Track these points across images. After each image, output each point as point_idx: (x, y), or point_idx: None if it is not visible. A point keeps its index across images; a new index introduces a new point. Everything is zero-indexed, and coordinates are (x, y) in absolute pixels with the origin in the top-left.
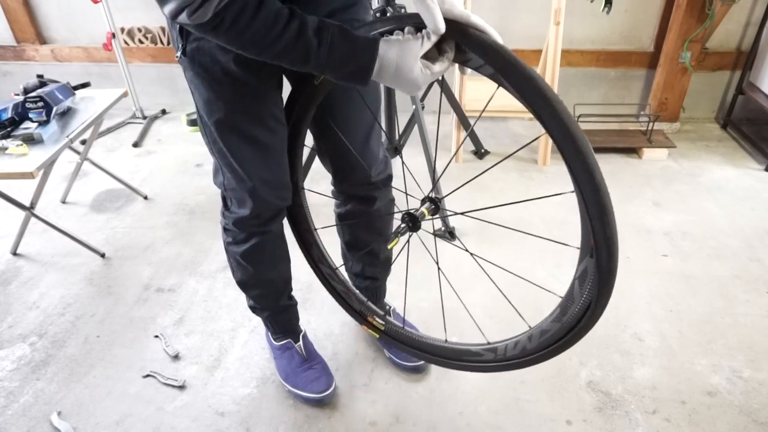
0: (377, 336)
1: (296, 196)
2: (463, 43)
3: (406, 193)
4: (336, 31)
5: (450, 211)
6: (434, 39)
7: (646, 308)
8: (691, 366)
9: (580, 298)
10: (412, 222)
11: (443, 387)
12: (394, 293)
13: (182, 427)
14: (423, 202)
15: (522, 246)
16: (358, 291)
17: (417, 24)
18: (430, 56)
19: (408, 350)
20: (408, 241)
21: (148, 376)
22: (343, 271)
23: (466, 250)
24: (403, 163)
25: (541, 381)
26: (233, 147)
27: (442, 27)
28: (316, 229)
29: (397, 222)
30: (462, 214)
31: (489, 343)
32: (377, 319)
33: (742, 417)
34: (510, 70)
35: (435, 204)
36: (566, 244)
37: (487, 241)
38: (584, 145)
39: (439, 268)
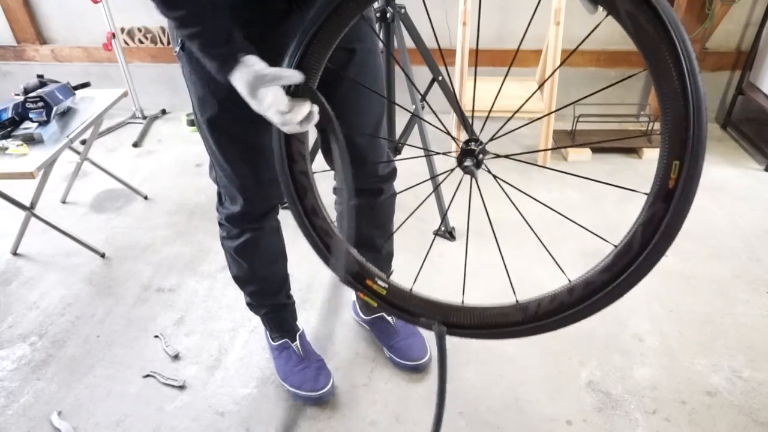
0: (375, 304)
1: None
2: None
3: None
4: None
5: (491, 153)
6: (273, 85)
7: (646, 308)
8: (691, 366)
9: (639, 245)
10: (469, 157)
11: None
12: None
13: (182, 427)
14: (467, 145)
15: (522, 246)
16: (355, 250)
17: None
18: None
19: (415, 320)
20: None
21: (148, 376)
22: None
23: (494, 177)
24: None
25: (541, 381)
26: (223, 146)
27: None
28: (313, 173)
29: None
30: (506, 157)
31: (518, 302)
32: (378, 282)
33: (742, 417)
34: None
35: (478, 142)
36: (606, 240)
37: (487, 241)
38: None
39: (478, 185)
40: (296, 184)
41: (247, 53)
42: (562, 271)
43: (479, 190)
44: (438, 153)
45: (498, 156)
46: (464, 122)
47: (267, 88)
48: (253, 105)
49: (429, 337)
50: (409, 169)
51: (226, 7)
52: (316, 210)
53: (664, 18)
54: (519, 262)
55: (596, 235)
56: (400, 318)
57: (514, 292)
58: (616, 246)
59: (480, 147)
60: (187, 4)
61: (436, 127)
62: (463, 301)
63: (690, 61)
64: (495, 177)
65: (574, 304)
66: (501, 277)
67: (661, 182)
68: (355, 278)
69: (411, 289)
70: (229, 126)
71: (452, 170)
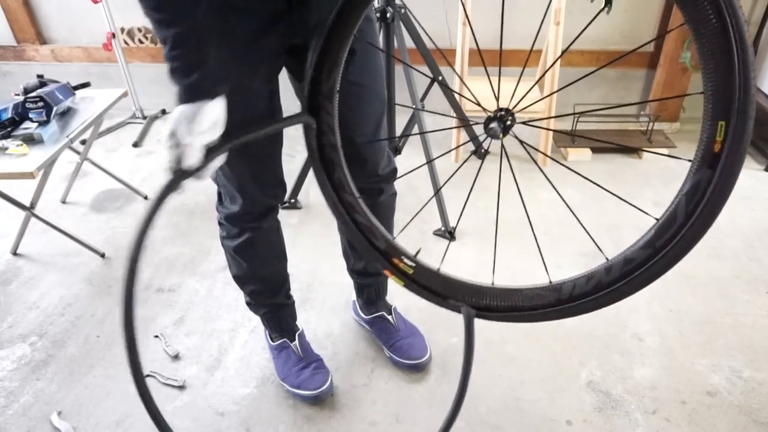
0: (402, 283)
1: (329, 102)
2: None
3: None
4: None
5: (514, 130)
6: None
7: (646, 308)
8: (691, 366)
9: (684, 216)
10: (501, 121)
11: (443, 387)
12: (394, 293)
13: (182, 427)
14: (495, 115)
15: (522, 246)
16: (382, 227)
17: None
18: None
19: (442, 302)
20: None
21: (147, 376)
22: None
23: (526, 146)
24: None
25: (541, 381)
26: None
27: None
28: (341, 146)
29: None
30: (526, 123)
31: (551, 283)
32: (405, 260)
33: (742, 417)
34: None
35: (508, 114)
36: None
37: (487, 241)
38: None
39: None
40: (324, 158)
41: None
42: (547, 272)
43: (505, 157)
44: (469, 124)
45: (526, 123)
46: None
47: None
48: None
49: (429, 336)
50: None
51: (226, 7)
52: (344, 184)
53: None
54: (521, 263)
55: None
56: (427, 299)
57: (547, 272)
58: (658, 219)
59: (508, 114)
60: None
61: (463, 96)
62: (493, 282)
63: (735, 14)
64: (522, 143)
65: (611, 283)
66: (502, 277)
67: (706, 146)
68: (383, 256)
69: (439, 269)
70: (227, 127)
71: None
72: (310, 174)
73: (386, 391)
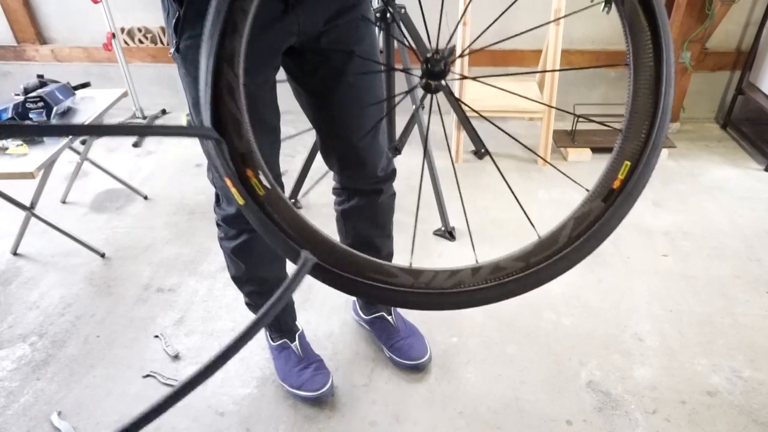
0: (242, 202)
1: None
2: None
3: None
4: None
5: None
6: None
7: (646, 308)
8: (691, 366)
9: (566, 240)
10: (431, 72)
11: (443, 387)
12: None
13: (182, 427)
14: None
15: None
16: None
17: None
18: None
19: (281, 242)
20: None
21: (147, 376)
22: None
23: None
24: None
25: (541, 381)
26: None
27: None
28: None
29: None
30: (475, 79)
31: (410, 266)
32: (261, 177)
33: (742, 417)
34: None
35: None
36: (537, 232)
37: (487, 241)
38: None
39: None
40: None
41: None
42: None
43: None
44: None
45: (464, 78)
46: (464, 122)
47: None
48: None
49: (429, 336)
50: (408, 168)
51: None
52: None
53: (657, 16)
54: None
55: (536, 231)
56: (263, 232)
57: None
58: (540, 236)
59: (444, 59)
60: None
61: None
62: (347, 246)
63: (669, 62)
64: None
65: (473, 285)
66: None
67: (605, 180)
68: (235, 159)
69: (295, 204)
70: None
71: (413, 89)
72: (310, 174)
73: (386, 391)
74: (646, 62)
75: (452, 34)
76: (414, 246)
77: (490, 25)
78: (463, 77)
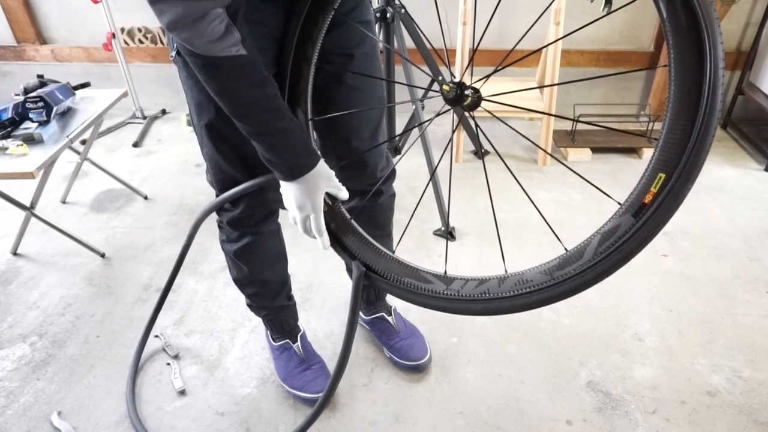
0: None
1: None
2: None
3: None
4: (297, 123)
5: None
6: (337, 193)
7: (646, 308)
8: (691, 366)
9: (591, 255)
10: (459, 92)
11: (443, 387)
12: None
13: (182, 427)
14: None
15: (522, 247)
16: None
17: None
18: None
19: (337, 248)
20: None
21: (156, 336)
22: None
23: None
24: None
25: (541, 381)
26: (222, 151)
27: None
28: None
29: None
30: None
31: (445, 274)
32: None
33: (742, 417)
34: None
35: (473, 90)
36: (564, 246)
37: (487, 241)
38: None
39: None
40: (296, 67)
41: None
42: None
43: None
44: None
45: (490, 99)
46: (464, 122)
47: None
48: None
49: (429, 337)
50: (408, 168)
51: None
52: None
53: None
54: (519, 262)
55: (559, 240)
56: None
57: (559, 241)
58: (567, 250)
59: (471, 90)
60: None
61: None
62: (394, 252)
63: (716, 63)
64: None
65: (500, 294)
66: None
67: (639, 194)
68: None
69: (351, 219)
70: (228, 131)
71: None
72: None
73: (386, 391)
74: (688, 64)
75: (477, 42)
76: (402, 238)
77: (488, 26)
78: (482, 98)
